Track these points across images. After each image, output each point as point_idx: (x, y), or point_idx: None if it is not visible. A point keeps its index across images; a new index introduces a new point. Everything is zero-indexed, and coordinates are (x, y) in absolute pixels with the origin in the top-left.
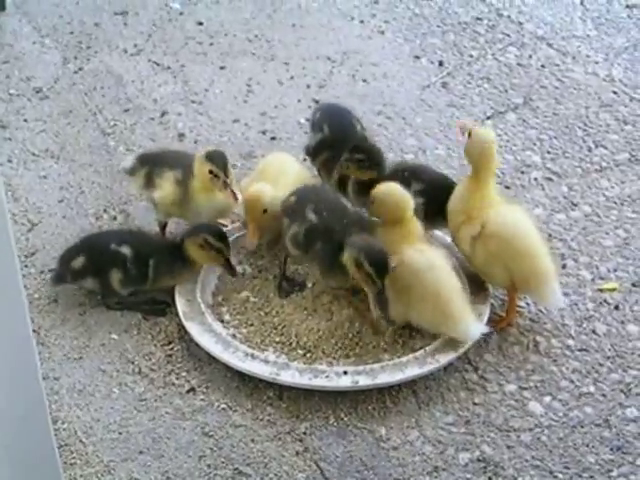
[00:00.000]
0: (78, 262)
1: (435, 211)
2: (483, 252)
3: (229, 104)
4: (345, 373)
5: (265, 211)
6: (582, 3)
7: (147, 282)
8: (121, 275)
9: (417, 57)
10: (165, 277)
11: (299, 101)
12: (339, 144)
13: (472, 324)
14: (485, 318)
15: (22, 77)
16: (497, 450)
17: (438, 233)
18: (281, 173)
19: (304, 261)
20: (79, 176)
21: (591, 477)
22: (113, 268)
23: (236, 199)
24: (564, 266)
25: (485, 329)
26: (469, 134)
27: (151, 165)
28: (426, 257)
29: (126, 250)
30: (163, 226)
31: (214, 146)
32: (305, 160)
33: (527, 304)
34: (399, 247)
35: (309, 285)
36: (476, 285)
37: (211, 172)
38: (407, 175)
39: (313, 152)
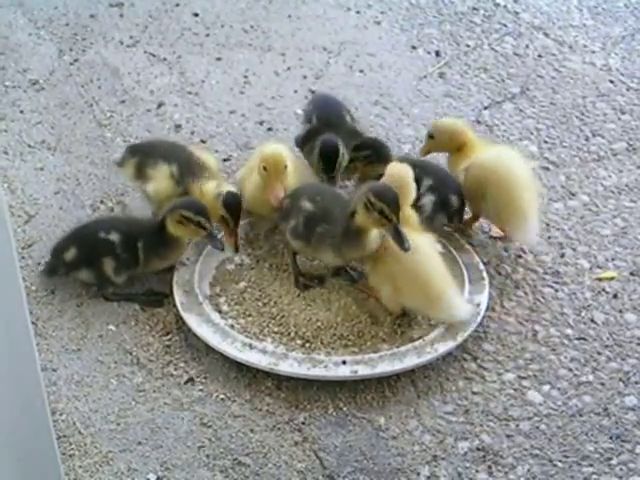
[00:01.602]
0: (70, 254)
1: (439, 207)
2: (470, 179)
3: (225, 95)
4: (344, 363)
5: (286, 167)
6: None
7: (139, 265)
8: (114, 262)
9: (414, 47)
10: (154, 259)
11: (295, 92)
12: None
13: (457, 304)
14: (483, 307)
15: (18, 69)
16: (496, 439)
17: None
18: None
19: (309, 252)
20: (75, 168)
21: (590, 465)
22: (105, 257)
23: (237, 250)
24: (562, 255)
25: (472, 309)
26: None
27: (141, 155)
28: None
29: (114, 236)
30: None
31: (211, 138)
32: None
33: (525, 293)
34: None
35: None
36: (474, 275)
37: (223, 217)
38: (417, 171)
39: (301, 142)
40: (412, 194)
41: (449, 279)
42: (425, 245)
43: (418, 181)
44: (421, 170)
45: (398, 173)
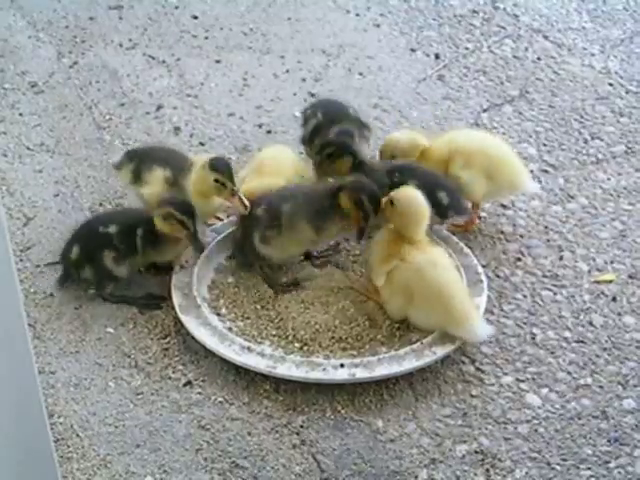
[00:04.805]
0: (74, 253)
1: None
2: (476, 170)
3: (225, 98)
4: (342, 366)
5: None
6: None
7: (137, 254)
8: (113, 253)
9: (413, 50)
10: (150, 251)
11: (295, 94)
12: (333, 127)
13: (478, 323)
14: (481, 310)
15: (17, 71)
16: (494, 442)
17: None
18: (279, 166)
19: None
20: (74, 170)
21: (588, 469)
22: (104, 249)
23: (245, 207)
24: (561, 258)
25: (491, 330)
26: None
27: (138, 161)
28: (427, 255)
29: (113, 229)
30: None
31: (210, 141)
32: (302, 153)
33: (523, 296)
34: (400, 248)
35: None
36: (472, 277)
37: (217, 181)
38: (399, 176)
39: (308, 138)
40: (426, 219)
41: (468, 293)
42: (443, 258)
43: (402, 185)
44: (404, 175)
45: (408, 198)
